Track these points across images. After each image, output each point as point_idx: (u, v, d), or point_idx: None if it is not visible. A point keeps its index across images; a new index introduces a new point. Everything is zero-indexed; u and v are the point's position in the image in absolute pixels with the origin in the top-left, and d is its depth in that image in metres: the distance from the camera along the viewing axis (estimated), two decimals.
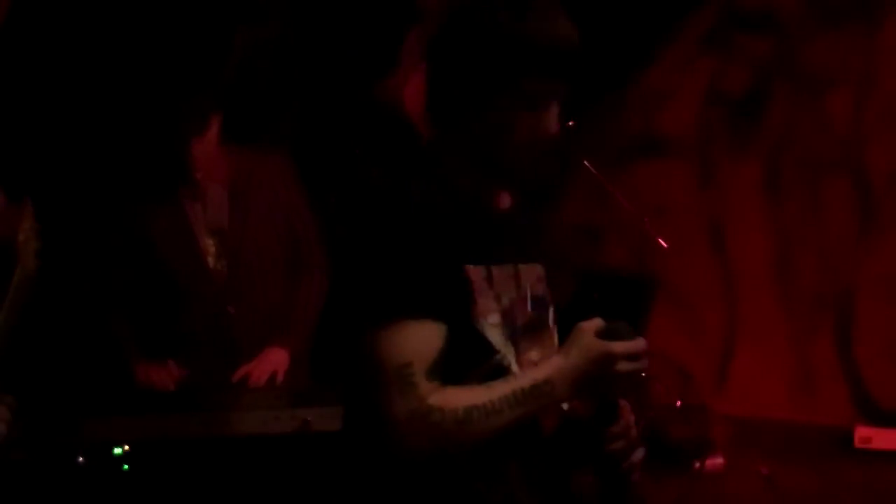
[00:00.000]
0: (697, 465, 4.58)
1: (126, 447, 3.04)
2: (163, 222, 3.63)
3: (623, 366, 1.86)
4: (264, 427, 3.07)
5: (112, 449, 3.02)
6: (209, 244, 3.64)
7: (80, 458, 2.98)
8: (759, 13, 5.34)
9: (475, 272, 1.88)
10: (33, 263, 2.74)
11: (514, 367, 1.92)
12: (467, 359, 1.87)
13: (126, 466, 3.04)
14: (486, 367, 1.89)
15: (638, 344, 1.88)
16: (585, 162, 4.94)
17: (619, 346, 1.86)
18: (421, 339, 1.82)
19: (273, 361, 3.59)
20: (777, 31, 5.26)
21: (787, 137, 5.25)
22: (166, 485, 3.10)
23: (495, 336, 1.91)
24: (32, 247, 2.75)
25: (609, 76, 5.29)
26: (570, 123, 4.93)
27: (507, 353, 1.92)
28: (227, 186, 3.67)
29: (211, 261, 3.64)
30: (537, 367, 1.89)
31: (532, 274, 2.00)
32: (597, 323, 1.89)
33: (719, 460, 4.72)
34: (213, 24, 4.85)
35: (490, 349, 1.90)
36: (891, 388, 5.05)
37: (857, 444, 4.91)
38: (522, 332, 1.96)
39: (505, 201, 2.01)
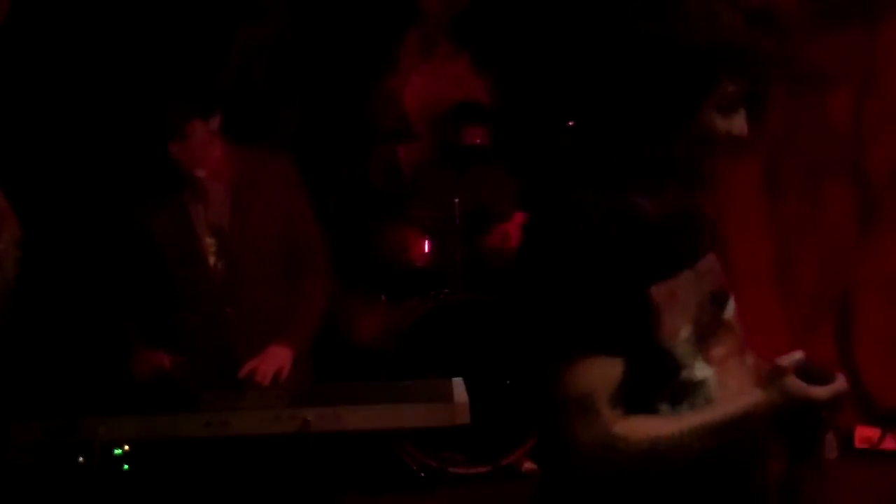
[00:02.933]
0: None
1: (126, 447, 3.04)
2: (164, 221, 3.63)
3: (826, 414, 1.82)
4: (264, 427, 3.07)
5: (112, 449, 3.02)
6: (209, 243, 3.65)
7: (80, 458, 2.98)
8: (759, 12, 5.33)
9: (658, 293, 1.84)
10: (13, 272, 2.74)
11: (702, 377, 1.87)
12: (655, 380, 1.84)
13: (126, 466, 3.04)
14: (673, 385, 1.85)
15: (840, 387, 1.82)
16: None
17: (823, 393, 1.80)
18: (603, 371, 1.79)
19: (277, 359, 3.60)
20: (776, 31, 5.25)
21: (787, 137, 5.24)
22: (166, 485, 3.10)
23: (685, 350, 1.87)
24: (13, 256, 2.74)
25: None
26: (570, 124, 4.94)
27: (696, 364, 1.88)
28: (229, 186, 3.67)
29: (211, 260, 3.64)
30: (734, 403, 1.83)
31: (708, 266, 1.96)
32: (796, 360, 1.82)
33: None
34: (212, 25, 4.85)
35: (677, 366, 1.86)
36: (891, 388, 5.04)
37: (858, 444, 4.91)
38: (707, 330, 1.91)
39: (677, 202, 1.95)
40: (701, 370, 1.88)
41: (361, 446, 4.03)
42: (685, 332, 1.86)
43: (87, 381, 3.82)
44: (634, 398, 1.80)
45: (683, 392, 1.85)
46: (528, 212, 4.86)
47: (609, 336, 1.79)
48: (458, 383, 3.22)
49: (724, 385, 1.90)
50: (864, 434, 4.92)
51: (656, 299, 1.83)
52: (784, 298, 5.37)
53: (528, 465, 4.52)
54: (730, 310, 2.00)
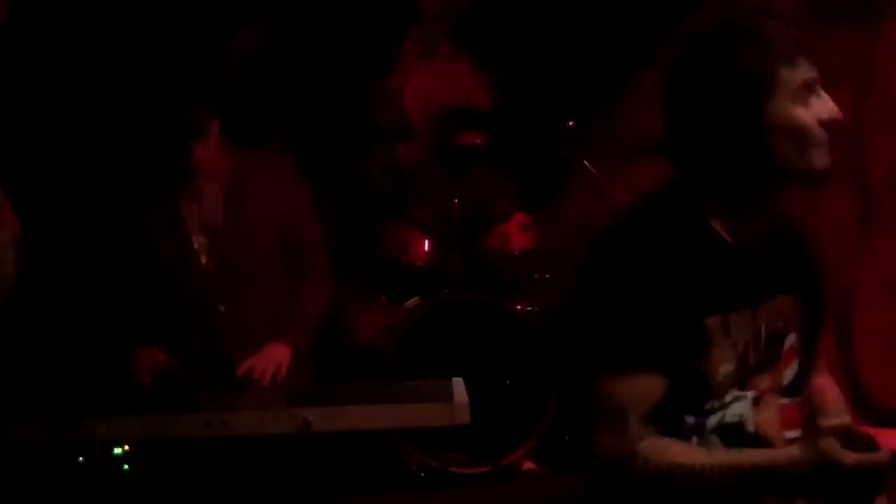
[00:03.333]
0: None
1: (126, 447, 3.03)
2: (158, 220, 3.64)
3: (853, 479, 1.77)
4: (264, 427, 3.06)
5: (112, 449, 3.02)
6: (202, 242, 3.65)
7: (80, 458, 2.98)
8: (759, 13, 5.33)
9: (713, 323, 1.87)
10: (12, 270, 2.74)
11: (736, 409, 1.90)
12: (688, 402, 1.88)
13: (126, 466, 3.03)
14: (702, 408, 1.88)
15: (877, 458, 1.79)
16: (585, 162, 4.93)
17: (851, 458, 1.77)
18: (640, 388, 1.83)
19: (275, 356, 3.60)
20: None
21: None
22: (166, 485, 3.10)
23: (725, 384, 1.89)
24: (11, 255, 2.75)
25: (609, 76, 5.28)
26: (570, 124, 4.95)
27: (730, 393, 1.90)
28: (223, 186, 3.67)
29: (203, 259, 3.64)
30: (765, 452, 1.86)
31: (772, 309, 1.97)
32: (840, 423, 1.88)
33: None
34: (212, 25, 4.84)
35: (710, 394, 1.89)
36: (891, 388, 5.04)
37: None
38: (753, 371, 1.93)
39: (756, 233, 1.96)
40: (736, 402, 1.90)
41: (361, 446, 4.03)
42: (726, 367, 1.89)
43: (87, 381, 3.81)
44: (667, 416, 1.85)
45: (710, 413, 1.88)
46: (526, 212, 4.87)
47: (657, 355, 1.82)
48: (458, 383, 3.21)
49: (755, 417, 1.93)
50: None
51: (711, 330, 1.86)
52: None
53: (528, 465, 4.52)
54: (787, 345, 2.01)
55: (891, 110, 5.01)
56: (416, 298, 4.71)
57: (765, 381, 1.95)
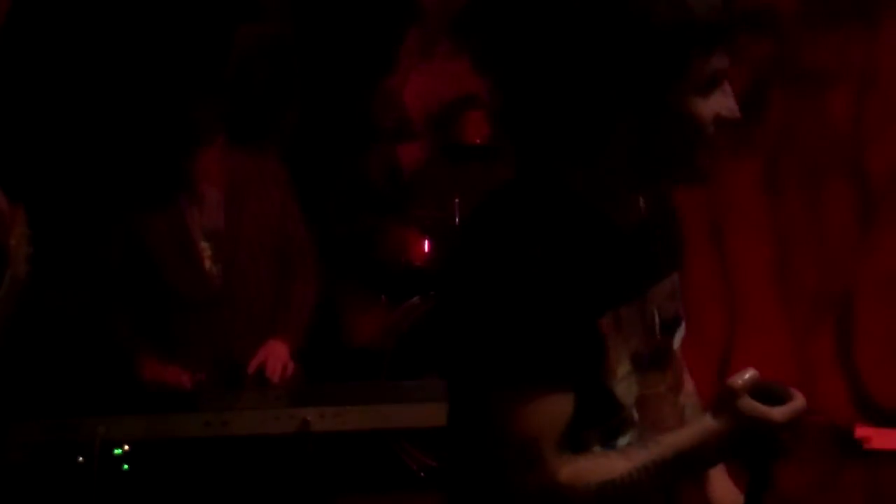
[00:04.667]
0: None
1: (126, 447, 3.03)
2: (161, 226, 3.63)
3: (785, 434, 1.64)
4: (264, 427, 3.07)
5: (112, 449, 3.02)
6: (205, 248, 3.64)
7: (80, 458, 2.98)
8: (759, 13, 5.33)
9: (607, 323, 1.63)
10: (24, 268, 2.74)
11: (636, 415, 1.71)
12: (592, 417, 1.65)
13: (126, 466, 3.03)
14: (609, 424, 1.68)
15: (799, 405, 1.64)
16: None
17: (782, 413, 1.62)
18: (551, 412, 1.58)
19: (282, 354, 3.61)
20: (777, 31, 5.25)
21: (787, 137, 5.24)
22: (167, 485, 3.10)
23: (623, 388, 1.68)
24: (24, 252, 2.75)
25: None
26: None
27: (634, 403, 1.70)
28: (223, 189, 3.66)
29: (207, 264, 3.64)
30: (683, 432, 1.65)
31: (661, 293, 1.76)
32: (749, 379, 1.63)
33: None
34: (212, 25, 4.84)
35: (617, 406, 1.68)
36: (891, 387, 5.04)
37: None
38: (649, 364, 1.73)
39: (636, 209, 1.73)
40: (635, 407, 1.71)
41: (361, 446, 4.03)
42: (623, 367, 1.67)
43: (87, 381, 3.81)
44: (571, 433, 1.62)
45: (618, 431, 1.68)
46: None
47: (560, 370, 1.58)
48: None
49: (658, 422, 1.73)
50: (864, 434, 4.92)
51: (605, 330, 1.63)
52: (784, 298, 5.36)
53: None
54: (678, 339, 1.83)
55: (891, 110, 5.00)
56: (416, 298, 4.71)
57: (662, 385, 1.76)
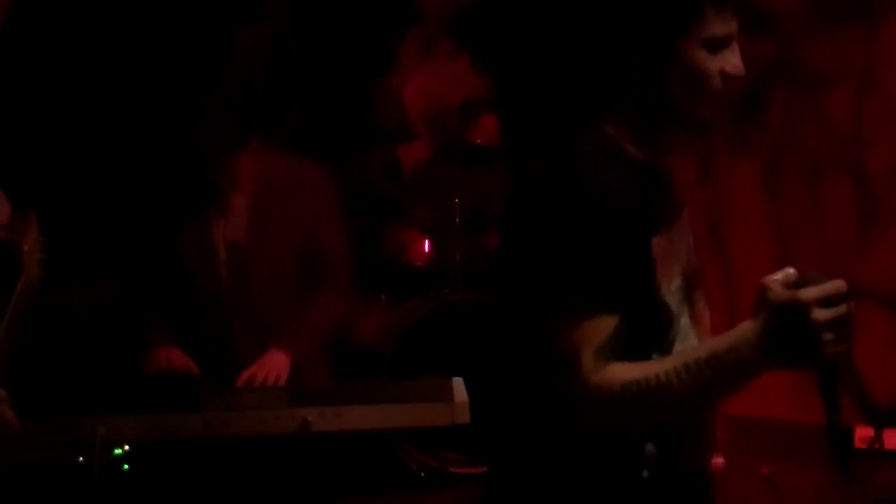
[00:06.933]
0: None
1: (126, 447, 3.03)
2: (189, 236, 3.62)
3: (818, 314, 1.61)
4: (264, 427, 3.07)
5: (112, 449, 3.02)
6: (223, 258, 3.63)
7: (80, 458, 2.98)
8: (759, 13, 5.34)
9: (658, 244, 1.80)
10: (37, 273, 2.76)
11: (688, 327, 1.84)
12: (651, 336, 1.78)
13: (126, 466, 3.04)
14: (669, 338, 1.79)
15: (834, 286, 1.64)
16: None
17: (806, 293, 1.61)
18: (594, 325, 1.71)
19: (275, 366, 3.56)
20: (777, 31, 5.25)
21: (787, 137, 5.24)
22: (167, 485, 3.10)
23: (676, 300, 1.82)
24: (36, 257, 2.76)
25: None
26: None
27: (684, 314, 1.84)
28: (249, 196, 3.64)
29: (224, 274, 3.62)
30: (722, 335, 1.69)
31: (685, 223, 1.94)
32: (784, 276, 1.66)
33: (720, 460, 4.72)
34: (212, 25, 4.84)
35: (671, 319, 1.80)
36: (891, 388, 5.05)
37: (857, 444, 4.91)
38: (694, 280, 1.88)
39: (657, 153, 1.90)
40: (687, 321, 1.86)
41: (361, 446, 4.03)
42: (676, 282, 1.83)
43: (87, 381, 3.81)
44: (631, 355, 1.73)
45: (673, 343, 1.81)
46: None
47: (610, 293, 1.72)
48: (458, 383, 3.21)
49: (706, 333, 1.91)
50: (864, 434, 4.92)
51: (656, 250, 1.79)
52: None
53: None
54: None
55: (891, 110, 5.01)
56: (416, 298, 4.71)
57: (702, 297, 1.93)
